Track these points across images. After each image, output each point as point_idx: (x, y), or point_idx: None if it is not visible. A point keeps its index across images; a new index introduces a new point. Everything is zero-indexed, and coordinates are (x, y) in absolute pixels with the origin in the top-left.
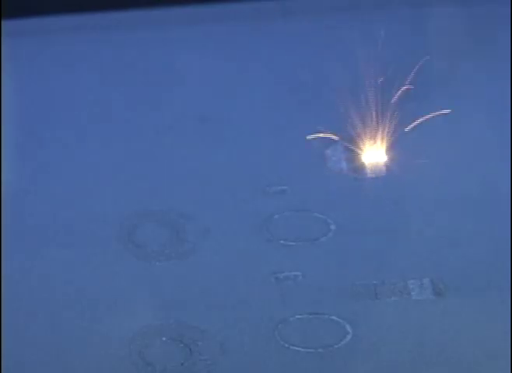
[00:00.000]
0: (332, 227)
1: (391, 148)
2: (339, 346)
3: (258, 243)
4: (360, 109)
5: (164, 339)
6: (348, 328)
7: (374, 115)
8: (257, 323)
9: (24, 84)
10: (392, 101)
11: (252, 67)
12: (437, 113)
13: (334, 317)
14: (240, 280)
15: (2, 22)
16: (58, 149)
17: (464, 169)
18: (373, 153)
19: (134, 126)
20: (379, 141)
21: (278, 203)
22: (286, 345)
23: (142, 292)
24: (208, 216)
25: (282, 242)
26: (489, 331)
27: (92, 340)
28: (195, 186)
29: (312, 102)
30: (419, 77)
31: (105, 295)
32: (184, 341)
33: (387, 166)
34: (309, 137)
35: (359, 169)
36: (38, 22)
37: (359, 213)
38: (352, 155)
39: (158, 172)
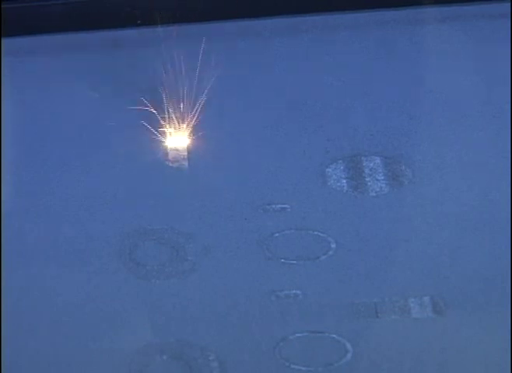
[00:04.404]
0: (332, 245)
1: (390, 165)
2: (339, 365)
3: (258, 262)
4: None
5: (165, 357)
6: (349, 346)
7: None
8: (258, 341)
9: (24, 101)
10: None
11: (252, 85)
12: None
13: (334, 335)
14: (241, 299)
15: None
16: (59, 168)
17: (463, 187)
18: None
19: (134, 144)
20: None
21: (279, 222)
22: (287, 363)
23: (143, 310)
24: (209, 234)
25: (282, 260)
26: (489, 349)
27: (93, 358)
28: (195, 205)
29: (313, 120)
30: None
31: (105, 313)
32: (184, 359)
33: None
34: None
35: (358, 186)
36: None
37: (360, 231)
38: (352, 173)
39: (158, 191)
